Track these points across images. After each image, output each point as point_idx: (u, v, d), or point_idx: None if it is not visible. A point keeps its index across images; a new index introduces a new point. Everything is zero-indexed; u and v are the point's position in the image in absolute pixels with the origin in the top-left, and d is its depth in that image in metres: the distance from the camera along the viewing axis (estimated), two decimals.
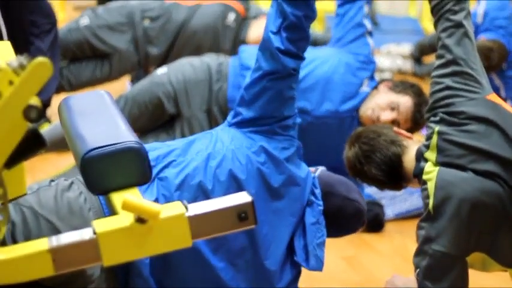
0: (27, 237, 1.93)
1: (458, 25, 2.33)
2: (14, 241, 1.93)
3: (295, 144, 2.27)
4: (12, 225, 1.96)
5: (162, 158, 2.19)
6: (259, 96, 2.24)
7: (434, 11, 2.38)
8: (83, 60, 4.30)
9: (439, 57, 2.35)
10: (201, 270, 2.15)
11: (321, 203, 2.27)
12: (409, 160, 2.38)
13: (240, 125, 2.27)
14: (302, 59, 2.27)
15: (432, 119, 2.32)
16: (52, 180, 2.16)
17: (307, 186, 2.26)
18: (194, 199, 2.09)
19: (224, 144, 2.22)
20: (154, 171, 2.14)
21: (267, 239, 2.19)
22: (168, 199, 2.10)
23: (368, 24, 3.48)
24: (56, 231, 1.94)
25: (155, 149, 2.22)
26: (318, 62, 3.39)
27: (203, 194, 2.13)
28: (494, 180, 2.22)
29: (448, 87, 2.31)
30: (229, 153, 2.20)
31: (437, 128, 2.29)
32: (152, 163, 2.14)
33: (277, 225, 2.21)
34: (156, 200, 2.10)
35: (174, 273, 2.14)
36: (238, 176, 2.17)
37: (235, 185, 2.17)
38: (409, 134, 2.49)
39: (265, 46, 2.24)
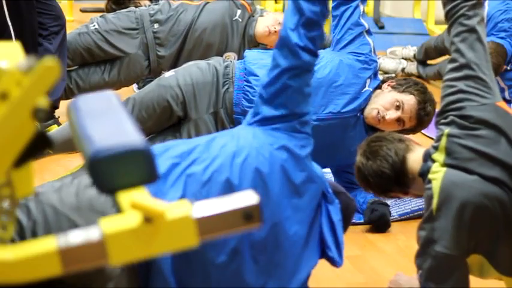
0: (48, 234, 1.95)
1: (472, 30, 2.35)
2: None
3: (311, 142, 2.30)
4: (33, 223, 1.99)
5: (187, 155, 2.20)
6: (279, 93, 2.26)
7: (448, 15, 2.40)
8: (92, 64, 4.32)
9: (452, 61, 2.37)
10: (224, 268, 2.14)
11: (338, 201, 2.31)
12: (414, 160, 2.39)
13: (261, 122, 2.28)
14: (318, 56, 2.30)
15: (443, 121, 2.34)
16: (75, 178, 2.17)
17: (322, 184, 2.28)
18: (222, 196, 2.09)
19: (247, 140, 2.24)
20: (181, 167, 2.16)
21: (288, 236, 2.21)
22: (195, 196, 2.12)
23: (365, 22, 3.48)
24: (77, 228, 1.94)
25: (176, 145, 2.24)
26: (319, 65, 3.39)
27: (230, 190, 2.13)
28: (499, 187, 2.23)
29: (460, 91, 2.32)
30: (253, 150, 2.21)
31: (447, 130, 2.30)
32: (177, 159, 2.17)
33: (297, 222, 2.22)
34: (183, 197, 2.12)
35: (195, 273, 2.14)
36: (263, 172, 2.19)
37: (260, 182, 2.18)
38: (418, 142, 2.50)
39: (283, 43, 2.27)
